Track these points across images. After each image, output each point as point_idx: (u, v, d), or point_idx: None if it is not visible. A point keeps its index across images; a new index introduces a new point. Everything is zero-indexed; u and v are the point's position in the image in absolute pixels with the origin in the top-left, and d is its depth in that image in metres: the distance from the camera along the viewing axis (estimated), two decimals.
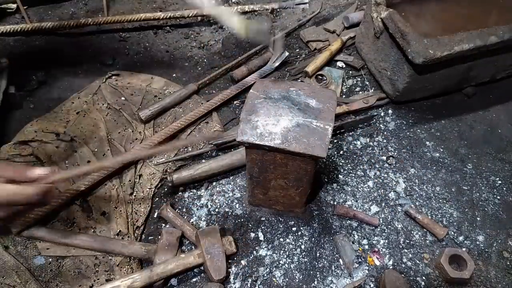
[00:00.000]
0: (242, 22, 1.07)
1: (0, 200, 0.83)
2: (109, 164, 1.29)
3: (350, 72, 1.88)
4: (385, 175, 1.54)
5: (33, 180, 0.89)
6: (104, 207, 1.41)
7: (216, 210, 1.44)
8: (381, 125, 1.69)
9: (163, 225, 1.40)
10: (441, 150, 1.62)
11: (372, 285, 1.29)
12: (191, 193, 1.48)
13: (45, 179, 0.90)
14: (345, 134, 1.65)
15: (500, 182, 1.53)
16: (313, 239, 1.37)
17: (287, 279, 1.29)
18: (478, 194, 1.50)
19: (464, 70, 1.64)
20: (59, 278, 1.26)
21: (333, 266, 1.32)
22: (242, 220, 1.41)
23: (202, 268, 1.29)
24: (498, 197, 1.49)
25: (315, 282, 1.29)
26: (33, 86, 1.78)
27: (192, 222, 1.41)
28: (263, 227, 1.40)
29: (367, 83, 1.83)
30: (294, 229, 1.39)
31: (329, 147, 1.59)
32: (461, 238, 1.39)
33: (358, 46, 1.90)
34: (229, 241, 1.31)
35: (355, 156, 1.59)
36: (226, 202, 1.46)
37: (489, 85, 1.81)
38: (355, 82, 1.84)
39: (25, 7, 2.06)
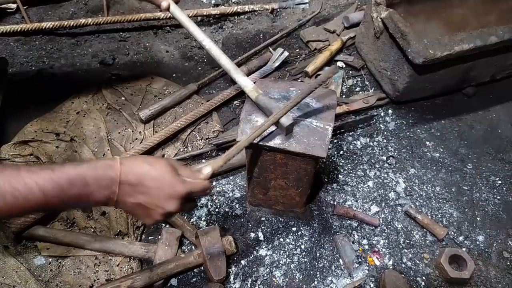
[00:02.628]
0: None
1: (188, 192, 0.86)
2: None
3: (350, 72, 1.88)
4: (385, 175, 1.53)
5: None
6: (104, 207, 1.41)
7: (216, 210, 1.44)
8: (381, 125, 1.69)
9: (163, 225, 1.40)
10: (441, 150, 1.62)
11: (372, 285, 1.29)
12: None
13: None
14: (345, 134, 1.65)
15: (500, 182, 1.53)
16: (313, 239, 1.37)
17: (287, 279, 1.29)
18: (478, 194, 1.50)
19: (464, 70, 1.64)
20: (59, 278, 1.26)
21: (333, 266, 1.32)
22: (242, 220, 1.41)
23: (202, 268, 1.29)
24: (498, 197, 1.49)
25: (315, 282, 1.29)
26: (33, 86, 1.78)
27: (192, 222, 1.41)
28: (263, 227, 1.40)
29: (367, 83, 1.83)
30: (294, 229, 1.39)
31: (329, 147, 1.59)
32: (461, 238, 1.39)
33: (358, 46, 1.90)
34: (229, 241, 1.31)
35: (355, 156, 1.59)
36: (226, 202, 1.46)
37: (489, 85, 1.81)
38: (355, 82, 1.84)
39: (25, 7, 2.06)
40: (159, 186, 0.81)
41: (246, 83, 1.16)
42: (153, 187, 0.81)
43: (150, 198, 0.82)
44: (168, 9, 1.30)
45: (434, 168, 1.57)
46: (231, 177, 1.52)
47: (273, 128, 1.09)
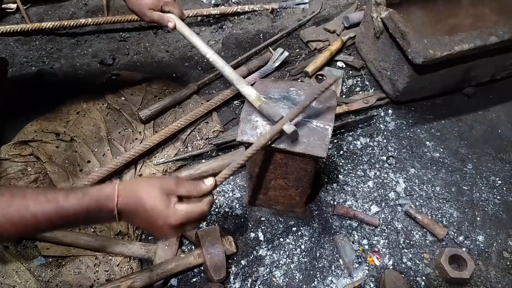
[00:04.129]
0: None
1: (181, 223, 0.85)
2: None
3: (350, 72, 1.88)
4: (385, 175, 1.53)
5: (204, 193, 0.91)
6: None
7: (216, 210, 1.44)
8: (381, 125, 1.69)
9: None
10: (441, 150, 1.62)
11: (372, 285, 1.29)
12: None
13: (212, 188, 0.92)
14: (345, 134, 1.65)
15: (500, 182, 1.53)
16: (313, 239, 1.37)
17: (287, 279, 1.29)
18: (478, 194, 1.50)
19: (464, 70, 1.64)
20: (59, 278, 1.26)
21: (333, 266, 1.32)
22: (242, 220, 1.41)
23: (202, 268, 1.29)
24: (498, 197, 1.49)
25: (315, 282, 1.29)
26: (33, 86, 1.78)
27: None
28: (263, 227, 1.40)
29: (367, 83, 1.83)
30: (294, 229, 1.39)
31: (329, 147, 1.59)
32: (461, 238, 1.39)
33: (358, 46, 1.90)
34: (229, 241, 1.31)
35: (355, 156, 1.59)
36: (226, 202, 1.46)
37: (489, 85, 1.81)
38: (355, 82, 1.84)
39: (25, 7, 2.06)
40: (151, 217, 0.84)
41: (249, 92, 1.17)
42: (147, 217, 0.84)
43: (147, 225, 0.87)
44: (175, 27, 1.35)
45: (434, 168, 1.57)
46: (231, 177, 1.52)
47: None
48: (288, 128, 1.05)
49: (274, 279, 1.29)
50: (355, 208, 1.44)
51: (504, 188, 1.52)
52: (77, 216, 0.80)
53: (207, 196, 0.91)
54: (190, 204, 0.87)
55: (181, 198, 0.88)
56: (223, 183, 1.50)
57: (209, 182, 0.91)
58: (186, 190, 0.88)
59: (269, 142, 1.06)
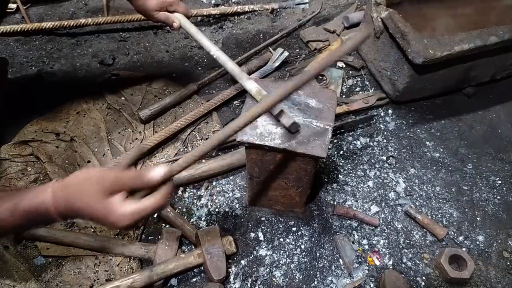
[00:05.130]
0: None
1: (131, 223, 0.77)
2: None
3: (350, 72, 1.88)
4: (385, 175, 1.53)
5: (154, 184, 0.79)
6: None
7: (216, 210, 1.44)
8: (381, 125, 1.69)
9: (163, 225, 1.40)
10: (441, 150, 1.62)
11: (372, 285, 1.29)
12: (191, 193, 1.48)
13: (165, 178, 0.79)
14: (345, 134, 1.65)
15: (500, 182, 1.53)
16: (313, 239, 1.37)
17: (287, 279, 1.29)
18: (478, 194, 1.50)
19: (464, 70, 1.64)
20: (59, 278, 1.26)
21: (333, 266, 1.32)
22: (242, 220, 1.41)
23: (202, 268, 1.29)
24: (498, 197, 1.49)
25: (315, 282, 1.29)
26: (33, 86, 1.78)
27: (192, 222, 1.41)
28: (263, 227, 1.40)
29: (367, 83, 1.83)
30: (294, 229, 1.39)
31: (329, 147, 1.59)
32: (461, 238, 1.39)
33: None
34: (229, 241, 1.31)
35: (355, 156, 1.59)
36: (226, 202, 1.46)
37: (489, 85, 1.81)
38: (355, 82, 1.84)
39: (25, 7, 2.07)
40: (97, 221, 0.79)
41: (251, 86, 1.20)
42: (87, 216, 0.79)
43: (92, 221, 0.84)
44: (180, 27, 1.39)
45: (434, 168, 1.57)
46: (231, 177, 1.52)
47: (277, 129, 1.09)
48: (287, 121, 1.05)
49: (274, 279, 1.29)
50: (355, 208, 1.44)
51: (504, 188, 1.52)
52: (29, 218, 0.80)
53: (164, 186, 0.79)
54: (140, 201, 0.78)
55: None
56: (223, 184, 1.50)
57: (157, 172, 0.78)
58: (129, 185, 0.78)
59: (253, 119, 0.84)
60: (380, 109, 1.75)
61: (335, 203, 1.45)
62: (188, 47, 2.00)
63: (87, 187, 0.77)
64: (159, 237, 1.33)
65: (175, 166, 0.81)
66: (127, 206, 0.76)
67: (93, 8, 2.17)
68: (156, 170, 0.78)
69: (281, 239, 1.37)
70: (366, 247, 1.36)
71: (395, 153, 1.60)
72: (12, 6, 2.07)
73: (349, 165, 1.56)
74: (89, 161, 1.52)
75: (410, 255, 1.35)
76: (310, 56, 1.92)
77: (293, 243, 1.36)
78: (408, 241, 1.38)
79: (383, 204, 1.46)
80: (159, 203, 0.78)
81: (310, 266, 1.32)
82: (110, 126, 1.64)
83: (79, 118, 1.65)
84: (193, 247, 1.35)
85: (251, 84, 1.20)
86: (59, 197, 0.78)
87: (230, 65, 1.30)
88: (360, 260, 1.33)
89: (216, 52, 1.33)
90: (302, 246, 1.36)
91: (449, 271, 1.25)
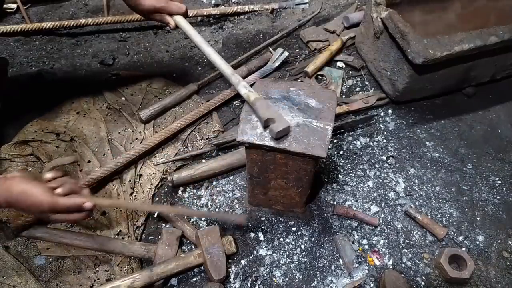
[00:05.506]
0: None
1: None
2: (136, 206, 1.45)
3: (350, 72, 1.88)
4: (385, 175, 1.54)
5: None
6: (104, 207, 1.41)
7: (216, 210, 1.44)
8: (381, 125, 1.69)
9: (163, 225, 1.40)
10: (441, 150, 1.62)
11: (372, 285, 1.29)
12: (191, 193, 1.48)
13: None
14: (345, 134, 1.66)
15: (500, 182, 1.53)
16: (313, 239, 1.37)
17: (287, 279, 1.29)
18: (478, 194, 1.50)
19: (464, 70, 1.64)
20: (59, 278, 1.26)
21: (333, 266, 1.32)
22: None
23: (202, 268, 1.29)
24: (498, 197, 1.49)
25: (315, 282, 1.29)
26: (33, 86, 1.78)
27: (192, 222, 1.41)
28: (263, 227, 1.40)
29: (367, 83, 1.83)
30: (294, 229, 1.39)
31: (329, 147, 1.59)
32: (461, 238, 1.39)
33: (358, 46, 1.90)
34: (229, 241, 1.31)
35: (355, 156, 1.59)
36: (226, 202, 1.46)
37: (489, 85, 1.81)
38: (355, 82, 1.84)
39: (25, 7, 2.06)
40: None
41: (243, 91, 1.17)
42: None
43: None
44: (176, 27, 1.39)
45: (434, 168, 1.57)
46: (231, 177, 1.52)
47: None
48: (274, 132, 1.06)
49: (274, 279, 1.29)
50: (355, 208, 1.44)
51: (504, 188, 1.52)
52: None
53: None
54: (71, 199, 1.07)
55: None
56: (223, 184, 1.50)
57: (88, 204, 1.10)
58: (71, 189, 1.09)
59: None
60: (380, 109, 1.75)
61: (335, 203, 1.45)
62: (188, 47, 2.00)
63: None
64: (159, 237, 1.33)
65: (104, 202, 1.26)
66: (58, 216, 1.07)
67: (93, 8, 2.17)
68: (87, 204, 1.08)
69: (281, 239, 1.37)
70: (366, 247, 1.36)
71: (395, 153, 1.60)
72: (12, 6, 2.07)
73: (349, 165, 1.56)
74: (89, 161, 1.52)
75: (410, 255, 1.35)
76: (310, 56, 1.92)
77: (293, 243, 1.36)
78: (408, 241, 1.38)
79: (383, 204, 1.46)
80: (81, 217, 1.11)
81: (310, 266, 1.32)
82: (110, 126, 1.64)
83: (79, 118, 1.65)
84: (193, 247, 1.35)
85: (243, 90, 1.16)
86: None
87: (223, 66, 1.25)
88: (360, 260, 1.33)
89: (211, 54, 1.28)
90: (302, 246, 1.36)
91: (449, 271, 1.25)
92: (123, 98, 1.73)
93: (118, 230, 1.35)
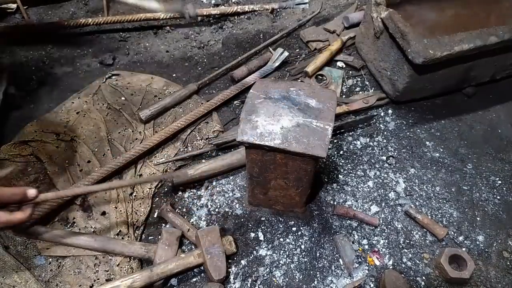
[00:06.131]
0: None
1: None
2: (82, 191, 1.28)
3: (350, 72, 1.88)
4: (385, 175, 1.54)
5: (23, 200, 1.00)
6: (104, 207, 1.41)
7: (216, 210, 1.44)
8: (381, 125, 1.69)
9: (163, 225, 1.40)
10: (441, 150, 1.62)
11: (372, 285, 1.29)
12: (191, 193, 1.48)
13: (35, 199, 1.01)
14: (345, 134, 1.65)
15: (500, 182, 1.53)
16: (313, 239, 1.37)
17: (287, 279, 1.29)
18: (478, 194, 1.50)
19: (464, 70, 1.64)
20: (59, 278, 1.26)
21: (333, 266, 1.32)
22: (242, 220, 1.41)
23: (202, 268, 1.29)
24: (498, 197, 1.49)
25: (315, 282, 1.29)
26: (33, 86, 1.78)
27: (192, 222, 1.41)
28: (263, 227, 1.40)
29: (367, 83, 1.83)
30: (294, 229, 1.39)
31: (329, 147, 1.59)
32: (461, 238, 1.39)
33: (358, 46, 1.90)
34: (229, 241, 1.31)
35: (355, 156, 1.59)
36: (226, 202, 1.46)
37: (489, 85, 1.81)
38: (355, 82, 1.84)
39: (25, 7, 2.06)
40: None
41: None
42: None
43: None
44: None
45: (434, 168, 1.57)
46: (231, 177, 1.52)
47: (277, 129, 1.09)
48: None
49: (274, 279, 1.29)
50: (355, 208, 1.44)
51: (504, 188, 1.52)
52: None
53: (28, 206, 1.00)
54: (11, 215, 0.97)
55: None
56: (223, 184, 1.50)
57: (31, 193, 1.00)
58: (7, 199, 0.97)
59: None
60: (380, 109, 1.75)
61: (335, 203, 1.45)
62: (188, 47, 2.00)
63: None
64: (159, 237, 1.32)
65: (49, 194, 1.08)
66: (1, 214, 0.96)
67: (93, 8, 2.17)
68: (30, 192, 1.00)
69: (281, 239, 1.37)
70: (366, 247, 1.36)
71: (395, 153, 1.60)
72: (12, 6, 2.07)
73: (349, 165, 1.56)
74: (89, 161, 1.52)
75: (410, 255, 1.35)
76: (310, 56, 1.92)
77: (293, 243, 1.36)
78: (408, 241, 1.38)
79: (383, 204, 1.46)
80: (23, 218, 0.99)
81: (310, 266, 1.32)
82: (110, 126, 1.64)
83: (79, 118, 1.65)
84: (193, 247, 1.35)
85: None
86: None
87: None
88: (360, 260, 1.33)
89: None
90: (302, 246, 1.36)
91: (449, 271, 1.25)
92: (123, 98, 1.73)
93: (118, 230, 1.35)
